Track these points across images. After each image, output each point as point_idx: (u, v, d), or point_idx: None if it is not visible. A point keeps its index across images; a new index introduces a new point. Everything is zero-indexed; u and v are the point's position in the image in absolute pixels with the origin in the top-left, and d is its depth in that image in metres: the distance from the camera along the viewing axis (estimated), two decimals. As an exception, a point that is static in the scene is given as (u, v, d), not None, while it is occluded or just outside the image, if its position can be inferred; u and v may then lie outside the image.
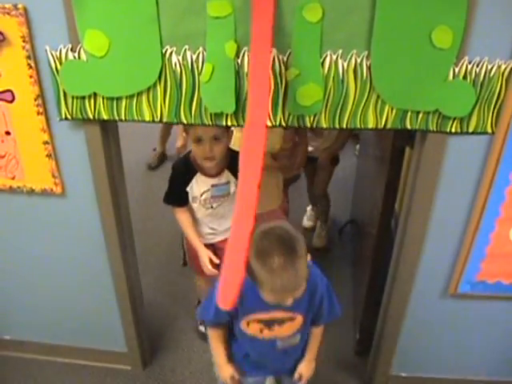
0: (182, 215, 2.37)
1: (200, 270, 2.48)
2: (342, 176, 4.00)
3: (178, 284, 3.30)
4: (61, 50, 1.69)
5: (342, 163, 3.49)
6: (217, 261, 2.33)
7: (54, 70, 1.72)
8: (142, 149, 4.68)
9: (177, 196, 2.33)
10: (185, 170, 2.28)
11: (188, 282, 3.23)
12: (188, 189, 2.30)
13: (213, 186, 2.31)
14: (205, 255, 2.36)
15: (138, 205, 3.91)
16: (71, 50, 1.68)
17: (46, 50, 1.70)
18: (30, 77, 1.77)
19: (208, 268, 2.35)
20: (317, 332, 1.94)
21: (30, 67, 1.75)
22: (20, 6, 1.64)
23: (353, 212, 3.77)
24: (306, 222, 3.88)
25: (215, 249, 2.48)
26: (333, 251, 3.66)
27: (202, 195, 2.31)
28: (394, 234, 2.24)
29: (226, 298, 1.44)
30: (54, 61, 1.71)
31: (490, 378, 2.48)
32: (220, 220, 2.44)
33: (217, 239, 2.49)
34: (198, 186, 2.30)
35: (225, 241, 2.33)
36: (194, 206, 2.36)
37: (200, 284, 2.76)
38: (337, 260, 3.57)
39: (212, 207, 2.37)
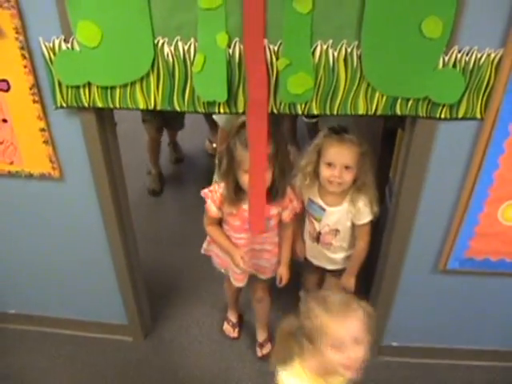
0: None
1: None
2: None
3: (176, 256, 3.35)
4: (54, 41, 1.70)
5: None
6: None
7: (48, 60, 1.74)
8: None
9: None
10: None
11: (185, 254, 3.31)
12: None
13: None
14: None
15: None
16: (64, 40, 1.69)
17: (39, 42, 1.71)
18: (25, 67, 1.79)
19: None
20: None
21: (24, 58, 1.76)
22: (12, -2, 1.64)
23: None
24: None
25: None
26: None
27: None
28: (387, 211, 2.28)
29: (257, 225, 2.05)
30: (48, 52, 1.72)
31: (480, 346, 2.58)
32: None
33: None
34: None
35: None
36: None
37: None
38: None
39: None
